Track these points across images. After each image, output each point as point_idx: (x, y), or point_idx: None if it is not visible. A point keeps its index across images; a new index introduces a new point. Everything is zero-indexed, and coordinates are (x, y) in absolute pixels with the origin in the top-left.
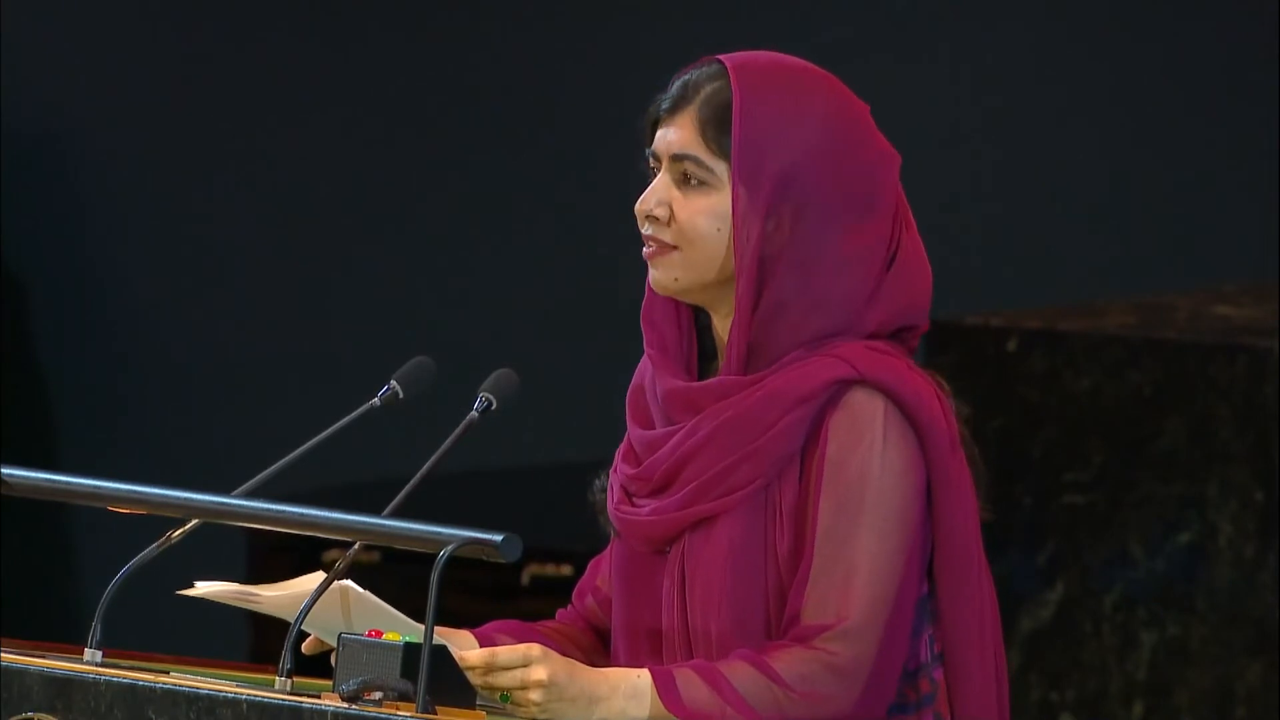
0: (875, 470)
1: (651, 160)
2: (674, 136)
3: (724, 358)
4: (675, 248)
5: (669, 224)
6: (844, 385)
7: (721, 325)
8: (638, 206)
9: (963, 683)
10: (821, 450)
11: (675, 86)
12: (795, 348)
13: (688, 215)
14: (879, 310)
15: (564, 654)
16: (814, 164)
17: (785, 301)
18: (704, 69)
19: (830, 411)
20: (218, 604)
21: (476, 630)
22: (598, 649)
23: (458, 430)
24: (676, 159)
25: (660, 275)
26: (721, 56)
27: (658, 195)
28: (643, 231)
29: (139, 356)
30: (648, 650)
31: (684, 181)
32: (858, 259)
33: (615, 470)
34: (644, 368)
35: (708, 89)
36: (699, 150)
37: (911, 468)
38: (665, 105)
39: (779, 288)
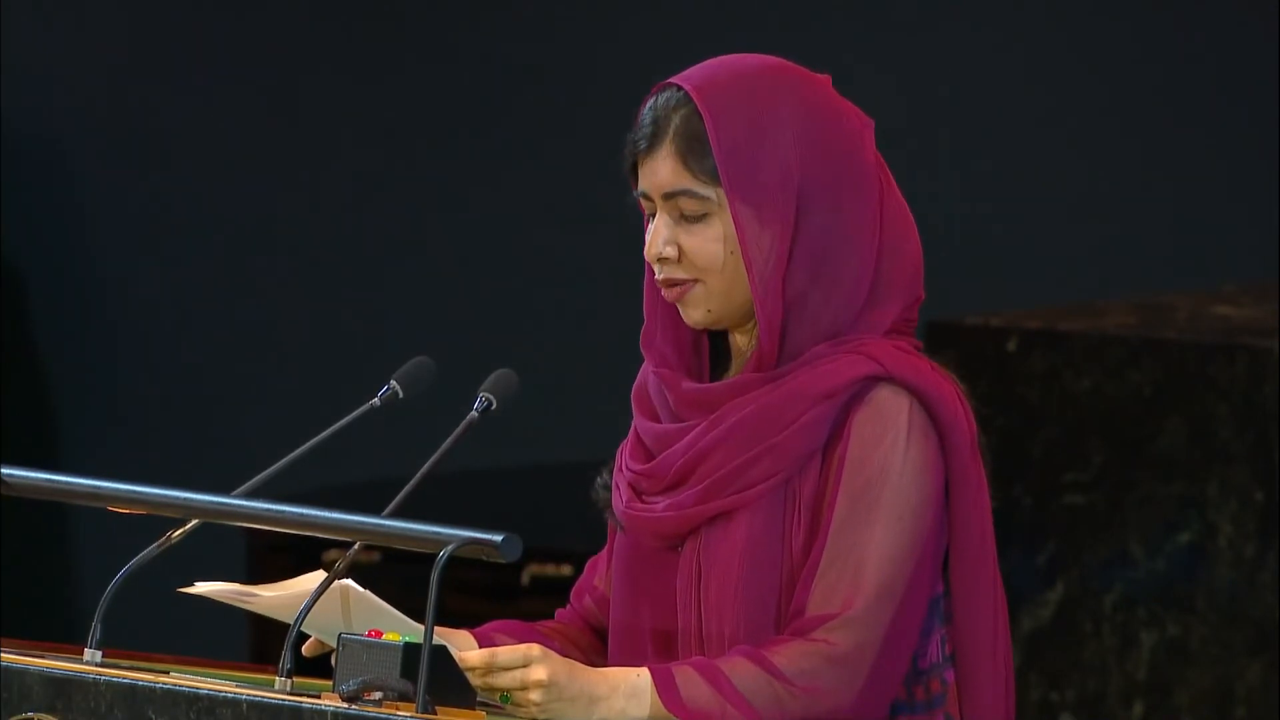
0: (896, 467)
1: (643, 200)
2: (661, 176)
3: (744, 362)
4: (696, 281)
5: (680, 261)
6: (870, 382)
7: (743, 338)
8: (646, 253)
9: (973, 684)
10: (844, 446)
11: (645, 123)
12: (817, 341)
13: (697, 246)
14: (888, 295)
15: (564, 654)
16: (801, 158)
17: (802, 295)
18: (666, 97)
19: (855, 408)
20: (218, 604)
21: (476, 630)
22: (597, 649)
23: (458, 430)
24: (668, 197)
25: (692, 312)
26: (678, 79)
27: (663, 236)
28: (659, 277)
29: (139, 356)
30: (650, 649)
31: (683, 216)
32: (858, 234)
33: (621, 469)
34: (647, 368)
35: (676, 119)
36: (687, 183)
37: (931, 466)
38: (641, 145)
39: (794, 283)
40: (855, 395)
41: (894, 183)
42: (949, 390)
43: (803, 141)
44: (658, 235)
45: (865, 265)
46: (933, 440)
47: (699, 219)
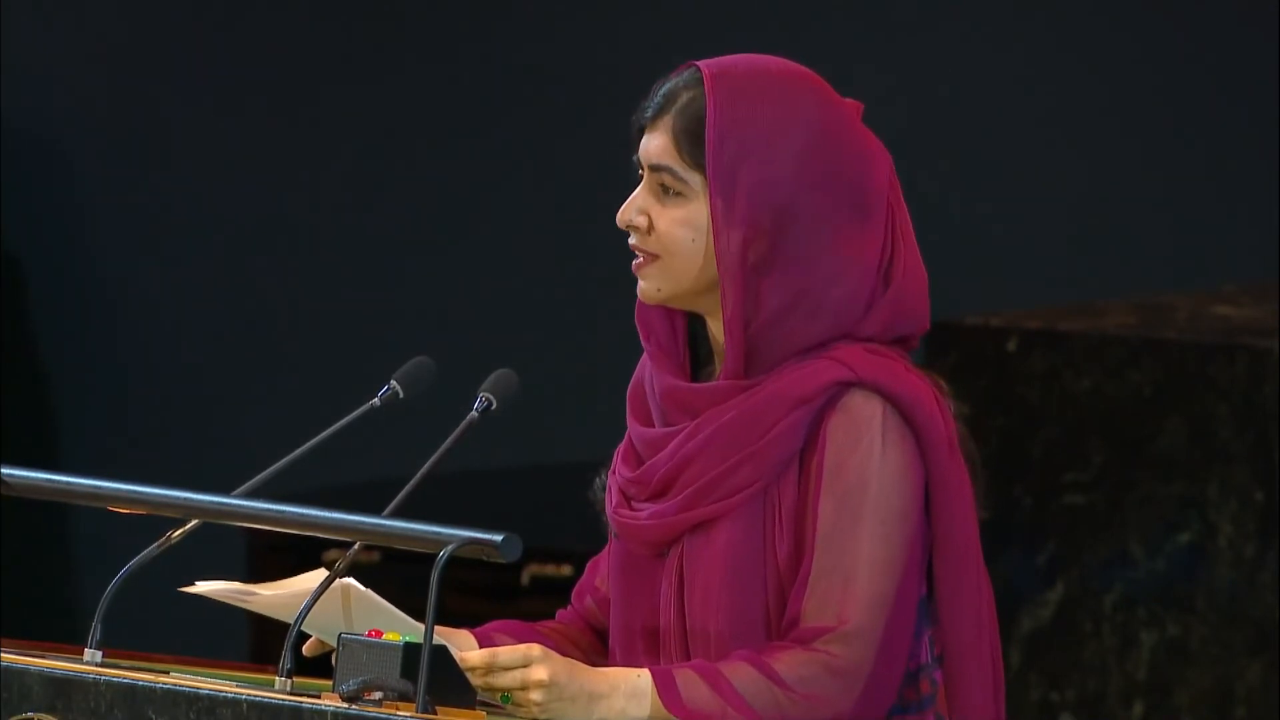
0: (874, 472)
1: (639, 168)
2: (652, 147)
3: (722, 362)
4: (657, 256)
5: (649, 232)
6: (842, 387)
7: (718, 329)
8: (619, 216)
9: (961, 683)
10: (820, 453)
11: (657, 94)
12: (794, 354)
13: (665, 225)
14: (877, 319)
15: (564, 654)
16: (797, 171)
17: (782, 310)
18: (683, 76)
19: (829, 414)
20: (218, 604)
21: (476, 630)
22: (597, 649)
23: (458, 430)
24: (655, 169)
25: (645, 285)
26: (701, 63)
27: (637, 205)
28: (630, 243)
29: (139, 356)
30: (644, 650)
31: (662, 191)
32: (852, 264)
33: (614, 472)
34: (644, 364)
35: (684, 98)
36: (674, 161)
37: (910, 469)
38: (647, 113)
39: (773, 296)
40: (829, 401)
41: (908, 221)
42: (924, 391)
43: (802, 158)
44: (632, 202)
45: (856, 295)
46: (909, 443)
47: (677, 198)
